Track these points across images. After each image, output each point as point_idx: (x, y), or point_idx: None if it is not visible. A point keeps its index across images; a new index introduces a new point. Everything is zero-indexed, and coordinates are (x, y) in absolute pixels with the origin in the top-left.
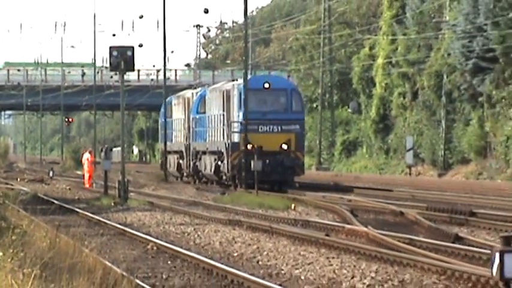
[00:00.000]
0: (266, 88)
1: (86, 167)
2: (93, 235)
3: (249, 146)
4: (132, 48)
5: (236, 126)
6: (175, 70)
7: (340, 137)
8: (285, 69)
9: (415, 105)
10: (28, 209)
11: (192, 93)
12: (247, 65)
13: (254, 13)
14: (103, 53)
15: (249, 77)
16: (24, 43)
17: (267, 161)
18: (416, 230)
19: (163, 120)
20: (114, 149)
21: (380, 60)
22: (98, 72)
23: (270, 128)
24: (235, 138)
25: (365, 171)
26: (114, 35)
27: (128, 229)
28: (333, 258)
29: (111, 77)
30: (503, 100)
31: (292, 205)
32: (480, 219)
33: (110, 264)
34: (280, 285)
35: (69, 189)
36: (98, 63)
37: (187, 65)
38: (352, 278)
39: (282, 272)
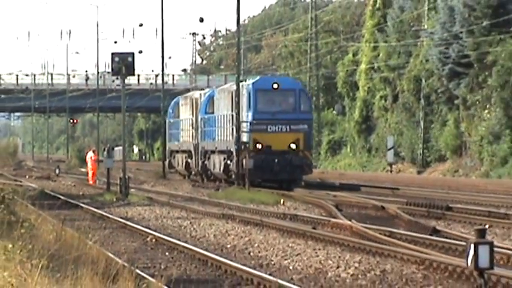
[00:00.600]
0: (275, 89)
1: (89, 165)
2: (97, 228)
3: (259, 146)
4: (133, 54)
5: (245, 126)
6: (173, 75)
7: (326, 137)
8: (275, 74)
9: (395, 108)
10: (36, 204)
11: (200, 94)
12: (240, 70)
13: (246, 22)
14: (105, 59)
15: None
16: (32, 50)
17: (276, 160)
18: (396, 223)
19: (170, 120)
20: (115, 148)
21: (363, 66)
22: (100, 77)
23: (278, 128)
24: (245, 137)
25: (349, 169)
26: (115, 42)
27: (129, 223)
28: (319, 249)
29: (113, 81)
30: (477, 103)
31: (282, 200)
32: (456, 213)
33: (112, 256)
34: (270, 274)
35: (74, 185)
36: (101, 69)
37: (184, 70)
38: (337, 268)
39: (272, 262)
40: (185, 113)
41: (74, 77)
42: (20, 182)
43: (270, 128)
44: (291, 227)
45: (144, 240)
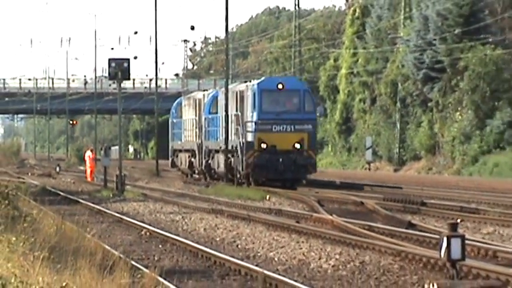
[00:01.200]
0: (280, 89)
1: (88, 163)
2: (94, 222)
3: (263, 145)
4: (128, 60)
5: (250, 126)
6: (166, 79)
7: None
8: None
9: (373, 110)
10: (37, 199)
11: (204, 95)
12: (228, 74)
13: (234, 29)
14: (103, 65)
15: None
16: (34, 56)
17: (281, 159)
18: (374, 217)
19: (173, 120)
20: (112, 148)
21: (343, 71)
22: (98, 81)
23: (283, 128)
24: (250, 137)
25: (330, 167)
26: (112, 48)
27: (125, 217)
28: (303, 242)
29: (110, 85)
30: (450, 105)
31: (267, 196)
32: (430, 208)
33: (108, 248)
34: (256, 265)
35: (73, 182)
36: (99, 73)
37: (176, 74)
38: (319, 259)
39: (258, 254)
40: (188, 113)
41: (73, 81)
42: (23, 179)
43: (275, 128)
44: (276, 221)
45: (138, 233)
